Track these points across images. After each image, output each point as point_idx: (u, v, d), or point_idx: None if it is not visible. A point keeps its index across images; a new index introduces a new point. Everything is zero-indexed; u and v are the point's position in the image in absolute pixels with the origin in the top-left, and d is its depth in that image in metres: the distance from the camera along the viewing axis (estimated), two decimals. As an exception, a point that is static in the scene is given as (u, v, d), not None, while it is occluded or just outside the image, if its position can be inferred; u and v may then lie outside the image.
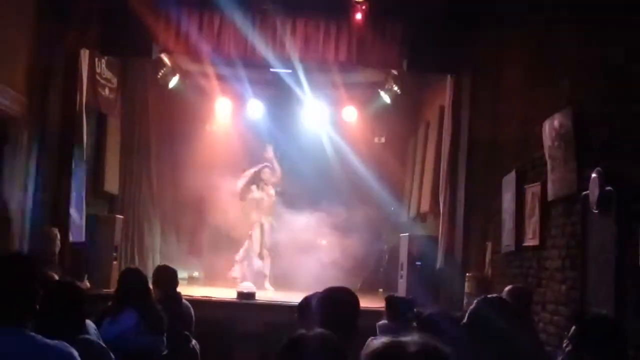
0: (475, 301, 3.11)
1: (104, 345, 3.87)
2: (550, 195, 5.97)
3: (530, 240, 6.48)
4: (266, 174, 12.14)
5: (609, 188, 4.75)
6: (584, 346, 3.47)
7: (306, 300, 4.07)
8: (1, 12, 7.28)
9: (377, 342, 1.69)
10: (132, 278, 5.55)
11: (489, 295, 3.27)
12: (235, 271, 11.74)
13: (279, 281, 11.89)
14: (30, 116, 8.05)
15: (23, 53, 7.94)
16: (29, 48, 8.02)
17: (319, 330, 2.42)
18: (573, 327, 3.56)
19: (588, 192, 5.01)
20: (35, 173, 8.23)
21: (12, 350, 2.67)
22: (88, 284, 8.48)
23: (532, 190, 6.47)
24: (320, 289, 4.34)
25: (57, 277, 4.74)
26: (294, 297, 8.62)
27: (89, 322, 4.12)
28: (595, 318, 3.93)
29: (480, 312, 3.03)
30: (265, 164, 12.19)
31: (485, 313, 3.01)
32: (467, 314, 3.09)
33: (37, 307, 2.82)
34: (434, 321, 3.81)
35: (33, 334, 2.74)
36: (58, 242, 7.76)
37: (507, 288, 5.47)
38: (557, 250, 5.87)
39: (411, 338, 1.68)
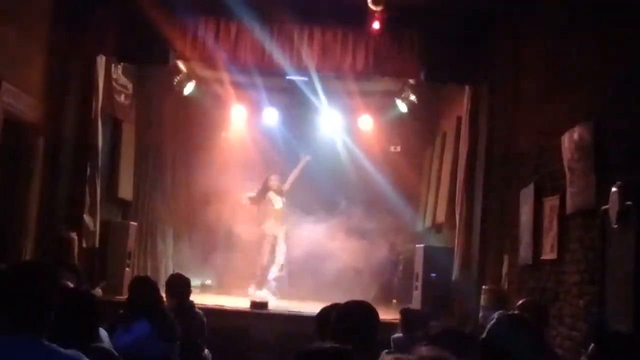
0: (495, 317, 3.06)
1: (116, 353, 3.84)
2: (569, 209, 5.90)
3: (548, 254, 6.40)
4: (272, 180, 12.03)
5: (629, 203, 4.68)
6: (603, 364, 3.42)
7: (325, 312, 4.03)
8: (18, 19, 7.32)
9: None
10: (143, 286, 5.54)
11: (509, 312, 3.22)
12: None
13: (292, 290, 11.86)
14: (46, 122, 8.09)
15: (40, 59, 7.98)
16: (45, 54, 8.07)
17: (334, 345, 2.37)
18: (592, 345, 3.51)
19: (607, 206, 4.94)
20: (50, 178, 8.26)
21: (27, 359, 2.65)
22: (100, 291, 8.48)
23: (551, 203, 6.40)
24: (333, 299, 4.31)
25: (71, 285, 4.73)
26: (307, 307, 8.65)
27: (101, 330, 4.09)
28: (614, 335, 3.87)
29: (499, 328, 2.98)
30: (272, 173, 12.13)
31: (505, 329, 2.97)
32: (486, 330, 3.05)
33: (52, 315, 2.80)
34: (445, 338, 3.76)
35: (48, 342, 2.73)
36: (76, 247, 7.78)
37: (519, 302, 5.42)
38: (575, 265, 5.80)
39: (417, 355, 1.62)
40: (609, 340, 3.59)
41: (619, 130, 5.16)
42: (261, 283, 11.64)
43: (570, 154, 5.84)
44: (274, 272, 11.73)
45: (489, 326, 3.05)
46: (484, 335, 3.05)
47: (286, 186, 12.09)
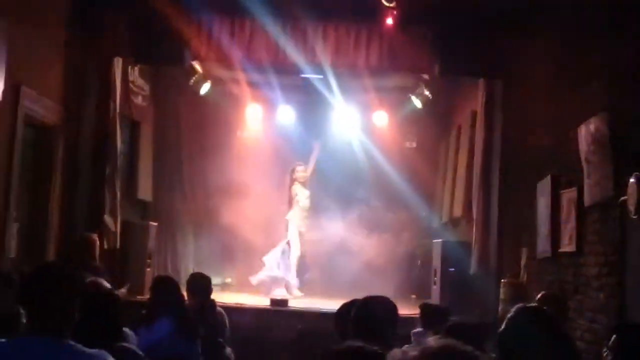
0: (514, 309, 3.06)
1: (140, 353, 3.89)
2: (587, 201, 5.88)
3: (567, 246, 6.38)
4: (299, 172, 11.72)
5: (647, 194, 4.68)
6: (624, 356, 3.42)
7: (344, 308, 4.05)
8: (34, 22, 7.38)
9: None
10: (164, 286, 5.60)
11: (528, 305, 3.22)
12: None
13: (310, 286, 11.87)
14: (65, 124, 8.15)
15: (57, 62, 8.04)
16: (63, 57, 8.13)
17: (359, 344, 2.38)
18: (613, 336, 3.51)
19: (626, 197, 4.93)
20: (70, 181, 8.34)
21: (52, 359, 2.69)
22: (125, 292, 8.55)
23: (568, 195, 6.39)
24: (352, 295, 4.33)
25: (106, 284, 4.82)
26: (326, 304, 8.66)
27: (127, 331, 4.15)
28: (635, 327, 3.86)
29: (518, 321, 2.98)
30: (297, 162, 11.92)
31: (524, 322, 2.97)
32: (504, 323, 3.05)
33: (76, 315, 2.85)
34: (458, 329, 3.78)
35: (72, 342, 2.77)
36: (98, 248, 7.86)
37: (539, 295, 5.41)
38: (594, 257, 5.78)
39: (424, 345, 1.64)
40: (630, 332, 3.59)
41: (635, 120, 5.14)
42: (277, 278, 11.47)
43: (586, 145, 5.82)
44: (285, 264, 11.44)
45: (507, 319, 3.05)
46: (502, 328, 3.05)
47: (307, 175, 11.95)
